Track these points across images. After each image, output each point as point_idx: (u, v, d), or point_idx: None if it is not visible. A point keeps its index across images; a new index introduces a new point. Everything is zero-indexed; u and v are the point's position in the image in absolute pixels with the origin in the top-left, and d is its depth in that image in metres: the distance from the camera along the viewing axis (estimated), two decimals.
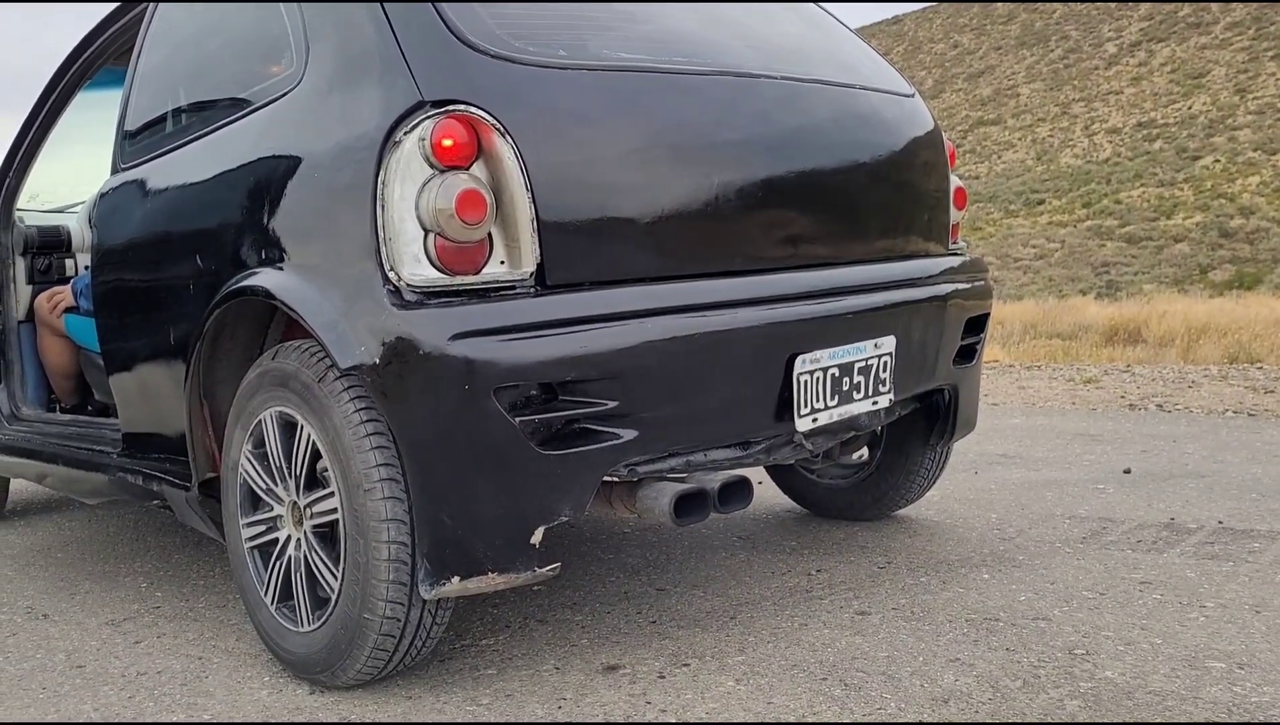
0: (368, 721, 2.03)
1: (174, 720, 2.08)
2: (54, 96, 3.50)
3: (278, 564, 2.26)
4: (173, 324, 2.52)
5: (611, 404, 2.01)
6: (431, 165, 1.94)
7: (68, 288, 3.61)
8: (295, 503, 2.21)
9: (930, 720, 1.87)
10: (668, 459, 2.16)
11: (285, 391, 2.15)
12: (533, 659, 2.28)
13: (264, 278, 2.17)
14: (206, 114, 2.58)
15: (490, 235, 1.98)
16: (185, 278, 2.44)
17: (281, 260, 2.16)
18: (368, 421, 2.00)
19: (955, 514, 3.32)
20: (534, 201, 1.98)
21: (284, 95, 2.25)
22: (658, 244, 2.14)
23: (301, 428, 2.14)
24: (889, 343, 2.46)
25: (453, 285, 1.95)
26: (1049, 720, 1.83)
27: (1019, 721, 1.83)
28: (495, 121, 1.97)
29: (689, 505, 2.09)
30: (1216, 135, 49.79)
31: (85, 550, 3.58)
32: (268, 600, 2.30)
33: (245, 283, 2.22)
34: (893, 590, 2.59)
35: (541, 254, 1.99)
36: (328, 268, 2.05)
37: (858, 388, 2.40)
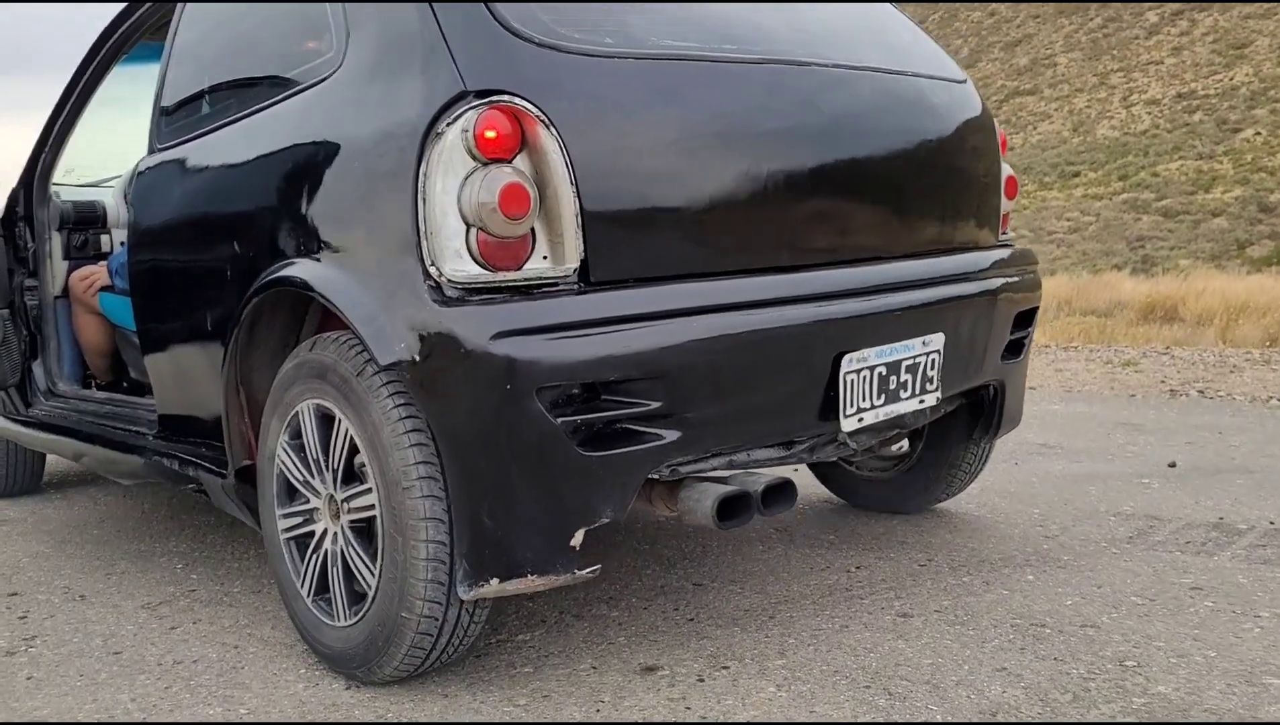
0: (405, 721, 2.01)
1: (210, 720, 2.06)
2: (90, 71, 3.47)
3: (314, 557, 2.25)
4: (209, 308, 2.49)
5: (655, 404, 1.96)
6: (474, 158, 1.89)
7: (102, 266, 3.60)
8: (332, 496, 2.18)
9: None
10: (710, 459, 2.12)
11: (323, 384, 2.12)
12: (569, 657, 2.26)
13: (302, 268, 2.14)
14: (245, 95, 2.54)
15: (533, 230, 1.93)
16: (223, 263, 2.41)
17: (319, 250, 2.12)
18: (406, 417, 1.97)
19: (996, 508, 3.27)
20: (578, 196, 1.93)
21: (324, 80, 2.21)
22: (703, 238, 2.09)
23: (339, 422, 2.11)
24: (937, 340, 2.40)
25: (495, 282, 1.90)
26: None
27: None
28: (540, 113, 1.91)
29: (732, 508, 2.04)
30: (1258, 107, 48.83)
31: (121, 528, 3.59)
32: (304, 593, 2.28)
33: (283, 272, 2.18)
34: (935, 591, 2.54)
35: (585, 250, 1.94)
36: (367, 260, 2.01)
37: (905, 386, 2.35)
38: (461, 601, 2.00)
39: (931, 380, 2.41)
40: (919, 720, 1.88)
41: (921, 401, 2.40)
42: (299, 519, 2.28)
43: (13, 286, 3.73)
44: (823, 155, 2.25)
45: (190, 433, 2.76)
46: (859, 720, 1.90)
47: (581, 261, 1.95)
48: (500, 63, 1.96)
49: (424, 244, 1.90)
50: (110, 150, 4.22)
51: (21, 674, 2.33)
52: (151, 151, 2.81)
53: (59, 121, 3.64)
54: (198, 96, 2.72)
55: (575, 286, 1.95)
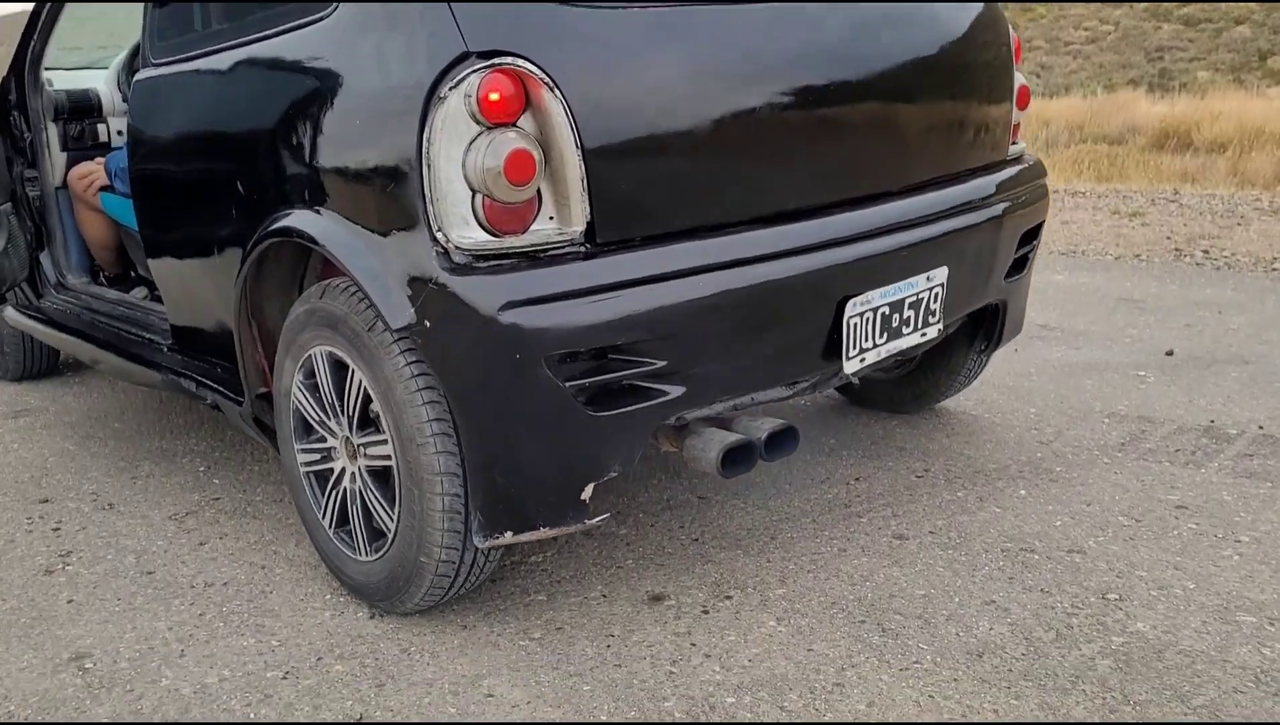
0: (427, 652, 2.14)
1: (244, 648, 2.20)
2: None
3: (334, 492, 2.34)
4: (214, 235, 2.51)
5: (661, 363, 2.01)
6: (478, 122, 1.87)
7: (100, 164, 3.57)
8: (348, 438, 2.25)
9: (965, 676, 1.95)
10: (715, 406, 2.18)
11: (334, 334, 2.16)
12: (580, 583, 2.38)
13: (307, 221, 2.14)
14: (238, 20, 2.48)
15: (539, 191, 1.93)
16: (226, 197, 2.41)
17: (324, 203, 2.12)
18: (419, 375, 2.01)
19: (994, 406, 3.34)
20: (583, 157, 1.92)
21: (318, 20, 2.15)
22: (707, 190, 2.08)
23: (352, 372, 2.16)
24: (941, 273, 2.42)
25: (502, 247, 1.92)
26: (1079, 682, 1.91)
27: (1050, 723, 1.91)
28: (544, 75, 1.88)
29: (736, 457, 2.11)
30: None
31: (141, 420, 3.69)
32: (325, 524, 2.38)
33: (289, 223, 2.19)
34: (930, 508, 2.64)
35: (591, 211, 1.95)
36: (373, 220, 2.02)
37: (907, 322, 2.38)
38: (477, 548, 2.10)
39: (934, 313, 2.44)
40: (910, 660, 2.01)
41: (924, 334, 2.44)
42: (317, 456, 2.36)
43: (13, 177, 3.71)
44: (825, 93, 2.21)
45: (203, 347, 2.81)
46: (853, 660, 2.02)
47: (588, 223, 1.95)
48: (502, 18, 1.92)
49: (429, 209, 1.91)
50: (99, 30, 4.12)
51: (61, 597, 2.46)
52: (146, 64, 2.75)
53: (45, 8, 3.55)
54: (189, 12, 2.65)
55: (582, 248, 1.96)
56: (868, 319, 2.28)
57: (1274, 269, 5.48)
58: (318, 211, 2.14)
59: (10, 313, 3.82)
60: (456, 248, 1.91)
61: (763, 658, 2.05)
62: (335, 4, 2.11)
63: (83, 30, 4.06)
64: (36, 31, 3.58)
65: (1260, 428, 3.07)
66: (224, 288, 2.53)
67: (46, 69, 3.77)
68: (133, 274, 3.85)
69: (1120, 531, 2.47)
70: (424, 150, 1.89)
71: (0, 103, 3.72)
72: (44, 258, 3.79)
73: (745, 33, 2.12)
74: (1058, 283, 5.15)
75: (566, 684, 2.00)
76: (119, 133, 3.89)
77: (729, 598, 2.28)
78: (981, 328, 2.89)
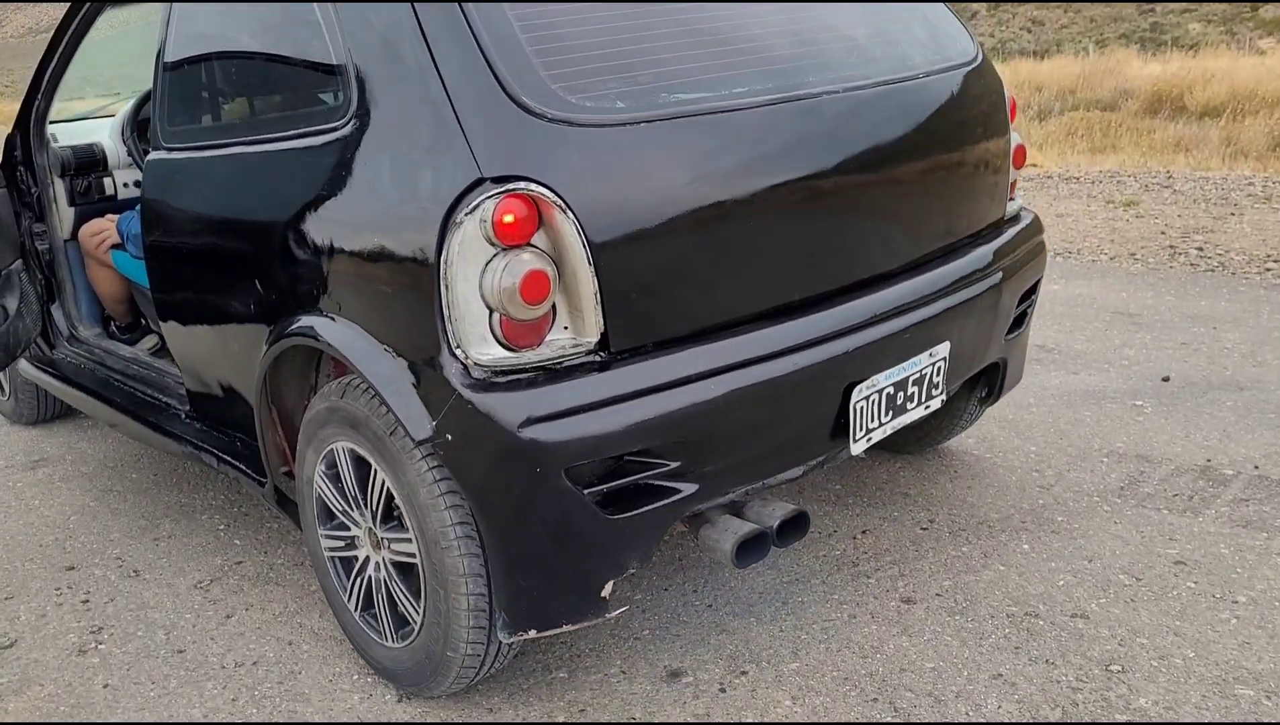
0: None
1: None
2: (79, 17, 3.39)
3: (359, 578, 2.41)
4: (233, 324, 2.56)
5: (675, 464, 2.08)
6: (493, 244, 1.93)
7: (111, 223, 3.61)
8: (372, 529, 2.32)
9: None
10: (727, 495, 2.24)
11: (357, 434, 2.23)
12: (599, 658, 2.45)
13: (327, 328, 2.20)
14: (252, 118, 2.52)
15: (554, 305, 1.99)
16: (244, 291, 2.46)
17: (340, 311, 2.18)
18: (441, 480, 2.08)
19: (995, 444, 3.42)
20: (595, 271, 1.98)
21: (334, 131, 2.19)
22: (716, 293, 2.14)
23: (375, 470, 2.22)
24: (943, 348, 2.48)
25: (520, 363, 1.98)
26: None
27: None
28: (557, 199, 1.94)
29: (750, 547, 2.18)
30: None
31: (157, 470, 3.76)
32: (351, 607, 2.45)
33: (308, 327, 2.25)
34: (935, 566, 2.72)
35: (605, 321, 2.01)
36: (392, 334, 2.08)
37: (911, 398, 2.45)
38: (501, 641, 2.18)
39: (938, 386, 2.51)
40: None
41: (928, 407, 2.51)
42: (341, 542, 2.44)
43: (21, 231, 3.75)
44: (831, 188, 2.27)
45: (220, 418, 2.88)
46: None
47: (602, 333, 2.01)
48: (515, 145, 1.96)
49: (449, 328, 1.97)
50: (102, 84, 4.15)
51: (97, 681, 2.53)
52: (158, 145, 2.79)
53: (50, 66, 3.57)
54: (201, 101, 2.70)
55: (596, 358, 2.02)
56: (873, 401, 2.34)
57: (1268, 269, 5.54)
58: (333, 319, 2.20)
59: (25, 367, 3.88)
60: (475, 364, 1.97)
61: None
62: (351, 119, 2.15)
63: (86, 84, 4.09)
64: (40, 91, 3.61)
65: (1255, 468, 3.14)
66: (241, 368, 2.60)
67: (50, 122, 3.81)
68: (142, 322, 3.90)
69: (1121, 592, 2.55)
70: (441, 271, 1.95)
71: (6, 159, 3.76)
72: (55, 310, 3.84)
73: (751, 140, 2.16)
74: (1055, 293, 5.21)
75: None
76: (125, 185, 3.93)
77: (745, 673, 2.36)
78: (983, 378, 2.96)
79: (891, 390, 2.38)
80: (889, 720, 2.17)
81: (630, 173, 2.04)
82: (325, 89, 2.28)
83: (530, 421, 1.94)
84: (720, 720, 2.21)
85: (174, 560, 3.11)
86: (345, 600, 2.47)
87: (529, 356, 1.99)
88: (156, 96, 2.78)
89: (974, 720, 2.14)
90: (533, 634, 2.12)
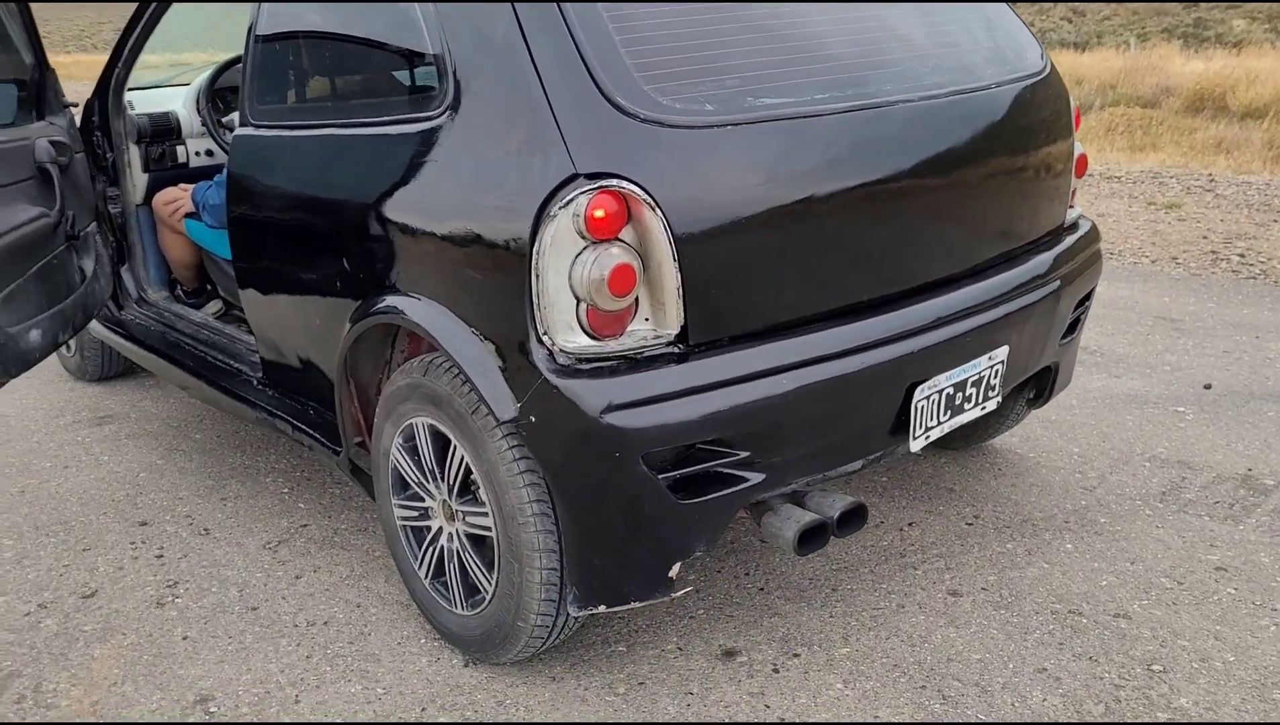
0: (521, 705, 2.33)
1: (352, 697, 2.40)
2: None
3: (431, 549, 2.52)
4: (315, 297, 2.66)
5: (744, 454, 2.17)
6: (584, 237, 2.02)
7: (185, 194, 3.72)
8: (446, 502, 2.43)
9: None
10: (791, 485, 2.33)
11: (438, 411, 2.33)
12: (657, 634, 2.56)
13: (414, 309, 2.30)
14: (343, 102, 2.62)
15: (637, 297, 2.08)
16: (330, 268, 2.56)
17: (428, 292, 2.27)
18: (520, 458, 2.18)
19: (1039, 444, 3.49)
20: (679, 267, 2.06)
21: (432, 120, 2.28)
22: (790, 292, 2.23)
23: (455, 447, 2.33)
24: (1002, 352, 2.56)
25: (604, 352, 2.07)
26: None
27: None
28: (647, 196, 2.02)
29: (811, 536, 2.28)
30: None
31: (220, 431, 3.89)
32: (421, 574, 2.57)
33: (394, 306, 2.35)
34: (981, 561, 2.81)
35: (685, 315, 2.10)
36: (480, 317, 2.17)
37: (969, 399, 2.53)
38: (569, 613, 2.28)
39: (994, 388, 2.59)
40: (968, 722, 2.19)
41: (984, 408, 2.59)
42: (415, 512, 2.55)
43: (95, 194, 3.87)
44: (902, 194, 2.34)
45: (294, 387, 2.99)
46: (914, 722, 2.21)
47: (682, 326, 2.10)
48: (608, 143, 2.05)
49: (538, 316, 2.06)
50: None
51: (176, 633, 2.66)
52: (246, 121, 2.89)
53: (132, 37, 3.68)
54: (292, 80, 2.79)
55: (675, 349, 2.11)
56: (933, 401, 2.43)
57: None
58: (419, 300, 2.29)
59: (95, 326, 4.01)
60: (561, 351, 2.06)
61: (831, 719, 2.23)
62: (446, 110, 2.24)
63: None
64: (121, 59, 3.72)
65: None
66: (321, 341, 2.70)
67: (128, 89, 3.92)
68: (208, 287, 4.02)
69: (1163, 595, 2.63)
70: (533, 262, 2.04)
71: (84, 125, 3.87)
72: (125, 272, 3.96)
73: (831, 145, 2.24)
74: (1097, 295, 5.25)
75: None
76: (197, 154, 4.04)
77: (797, 655, 2.46)
78: (1033, 381, 3.03)
79: (951, 391, 2.46)
80: (937, 707, 2.26)
81: (715, 173, 2.13)
82: (420, 79, 2.37)
83: (612, 408, 2.03)
84: (775, 701, 2.31)
85: (242, 520, 3.23)
86: (416, 568, 2.58)
87: (612, 346, 2.08)
88: (247, 72, 2.88)
89: (1019, 711, 2.24)
90: (602, 609, 2.22)
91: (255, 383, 3.20)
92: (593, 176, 2.02)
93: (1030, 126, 2.66)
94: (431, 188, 2.27)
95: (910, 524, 3.02)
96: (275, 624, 2.68)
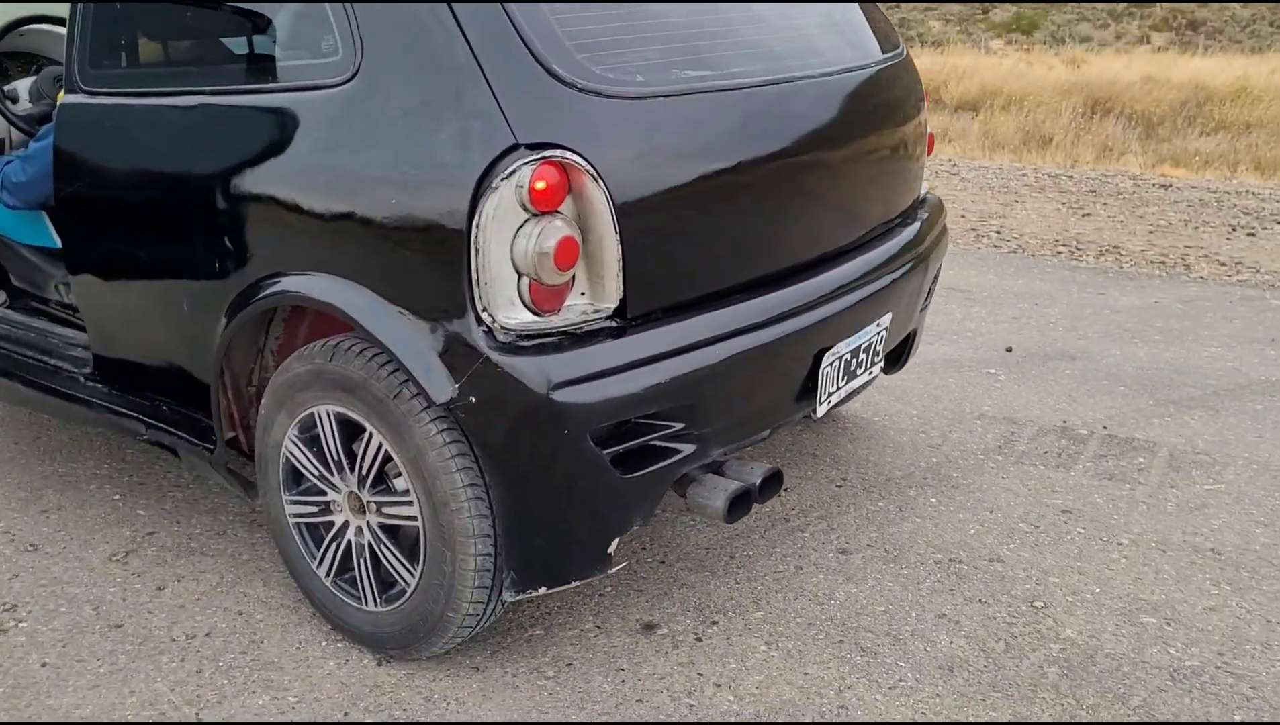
0: (451, 698, 2.25)
1: (263, 709, 2.23)
2: None
3: (334, 544, 2.38)
4: (182, 285, 2.45)
5: (680, 425, 2.18)
6: (526, 210, 1.97)
7: None
8: (354, 493, 2.30)
9: (945, 692, 2.26)
10: (713, 455, 2.36)
11: (349, 397, 2.20)
12: (571, 616, 2.53)
13: (325, 290, 2.15)
14: (210, 67, 2.42)
15: (574, 273, 2.05)
16: (204, 251, 2.36)
17: (343, 272, 2.14)
18: (451, 443, 2.10)
19: (880, 408, 3.69)
20: (620, 241, 2.04)
21: (328, 87, 2.14)
22: (717, 262, 2.25)
23: (371, 435, 2.20)
24: (887, 319, 2.69)
25: (545, 327, 2.03)
26: (1038, 689, 2.26)
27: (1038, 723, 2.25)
28: (589, 166, 1.99)
29: (738, 503, 2.32)
30: None
31: (18, 436, 3.49)
32: (321, 573, 2.42)
33: (293, 289, 2.20)
34: (859, 520, 2.95)
35: (624, 288, 2.08)
36: (408, 295, 2.07)
37: (860, 365, 2.64)
38: (501, 599, 2.22)
39: (878, 353, 2.72)
40: (894, 679, 2.30)
41: (870, 373, 2.71)
42: (313, 508, 2.39)
43: None
44: (810, 165, 2.42)
45: (144, 384, 2.73)
46: (846, 681, 2.29)
47: (620, 299, 2.09)
48: (547, 112, 2.00)
49: (477, 292, 1.98)
50: None
51: (32, 660, 2.38)
52: (75, 89, 2.61)
53: None
54: (141, 41, 2.54)
55: (614, 324, 2.09)
56: (835, 367, 2.52)
57: (1059, 252, 6.16)
58: (330, 279, 2.15)
59: None
60: (502, 328, 2.00)
61: (767, 684, 2.29)
62: (353, 76, 2.10)
63: None
64: None
65: (1105, 428, 3.56)
66: (185, 329, 2.49)
67: None
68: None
69: (1025, 538, 2.86)
70: (473, 235, 1.96)
71: None
72: None
73: (750, 118, 2.28)
74: None
75: None
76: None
77: (714, 623, 2.50)
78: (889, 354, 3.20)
79: (849, 357, 2.56)
80: (858, 659, 2.36)
81: (650, 144, 2.12)
82: (315, 41, 2.21)
83: (560, 384, 1.99)
84: (706, 669, 2.34)
85: (74, 533, 2.92)
86: (313, 566, 2.43)
87: (554, 321, 2.03)
88: (77, 29, 2.59)
89: (932, 655, 2.37)
90: (542, 591, 2.17)
91: (83, 379, 2.90)
92: (534, 147, 1.96)
93: (901, 103, 2.80)
94: (337, 161, 2.13)
95: (786, 489, 3.12)
96: (148, 640, 2.45)
